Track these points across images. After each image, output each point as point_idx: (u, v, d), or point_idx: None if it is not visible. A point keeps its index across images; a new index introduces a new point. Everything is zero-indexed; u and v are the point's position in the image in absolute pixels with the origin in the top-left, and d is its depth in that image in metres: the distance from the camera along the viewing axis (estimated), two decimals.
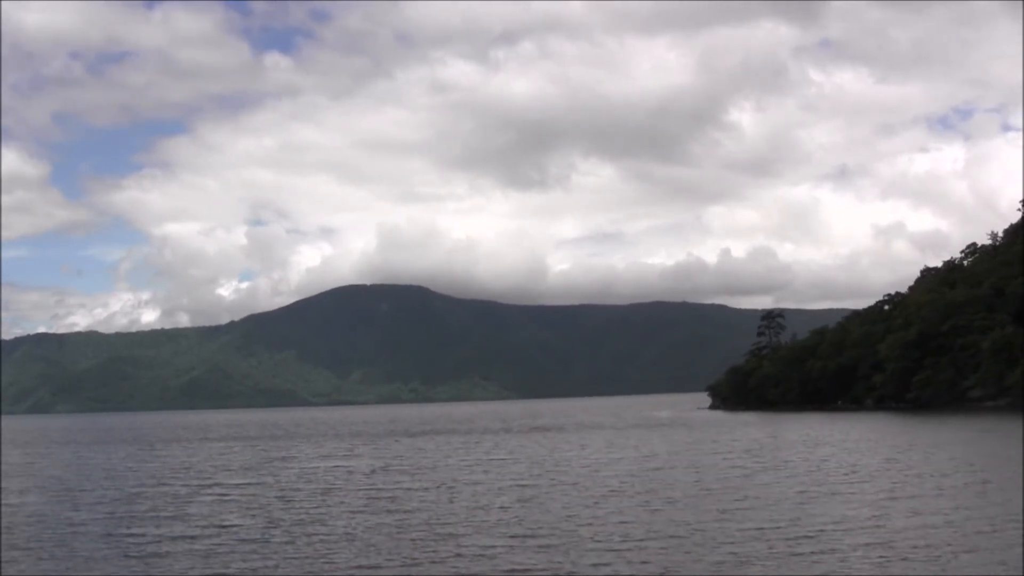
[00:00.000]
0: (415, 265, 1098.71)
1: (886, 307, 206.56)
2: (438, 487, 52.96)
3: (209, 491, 54.02)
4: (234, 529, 38.55)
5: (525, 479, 56.01)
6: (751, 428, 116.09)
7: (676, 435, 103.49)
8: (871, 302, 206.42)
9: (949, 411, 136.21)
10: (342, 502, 47.03)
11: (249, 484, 57.64)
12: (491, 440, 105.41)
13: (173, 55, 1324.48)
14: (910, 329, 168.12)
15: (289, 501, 47.94)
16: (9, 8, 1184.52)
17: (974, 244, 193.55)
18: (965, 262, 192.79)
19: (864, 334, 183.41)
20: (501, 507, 43.29)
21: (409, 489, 52.42)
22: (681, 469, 59.69)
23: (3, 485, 60.89)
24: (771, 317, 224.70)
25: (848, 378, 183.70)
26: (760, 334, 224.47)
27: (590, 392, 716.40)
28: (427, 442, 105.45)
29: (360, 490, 52.79)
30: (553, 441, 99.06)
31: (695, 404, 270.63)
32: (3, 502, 50.45)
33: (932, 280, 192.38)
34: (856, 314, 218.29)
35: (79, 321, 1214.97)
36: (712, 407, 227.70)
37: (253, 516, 42.49)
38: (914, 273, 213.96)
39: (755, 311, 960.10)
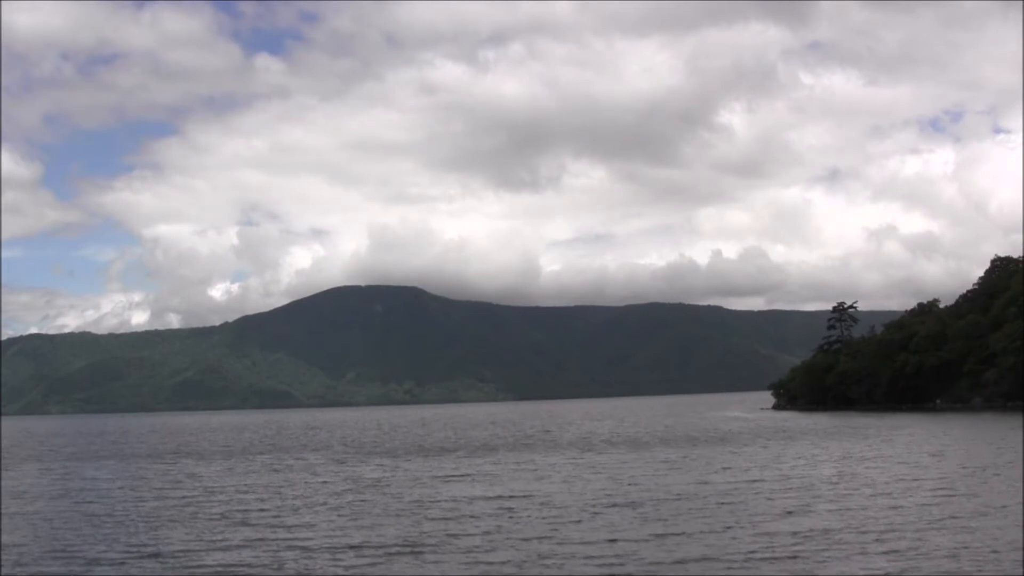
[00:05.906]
0: (407, 266, 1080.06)
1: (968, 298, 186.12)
2: None
3: (351, 559, 31.28)
4: None
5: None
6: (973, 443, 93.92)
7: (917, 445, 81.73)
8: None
9: None
10: None
11: (401, 549, 33.91)
12: (633, 453, 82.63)
13: (163, 57, 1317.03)
14: None
15: None
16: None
17: None
18: None
19: (968, 325, 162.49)
20: None
21: None
22: None
23: None
24: (842, 310, 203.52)
25: (950, 374, 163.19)
26: (831, 327, 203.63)
27: (585, 394, 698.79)
28: (544, 455, 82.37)
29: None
30: (730, 450, 76.81)
31: (743, 404, 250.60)
32: None
33: None
34: (922, 308, 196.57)
35: (69, 322, 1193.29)
36: (776, 407, 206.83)
37: None
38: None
39: (750, 312, 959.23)
